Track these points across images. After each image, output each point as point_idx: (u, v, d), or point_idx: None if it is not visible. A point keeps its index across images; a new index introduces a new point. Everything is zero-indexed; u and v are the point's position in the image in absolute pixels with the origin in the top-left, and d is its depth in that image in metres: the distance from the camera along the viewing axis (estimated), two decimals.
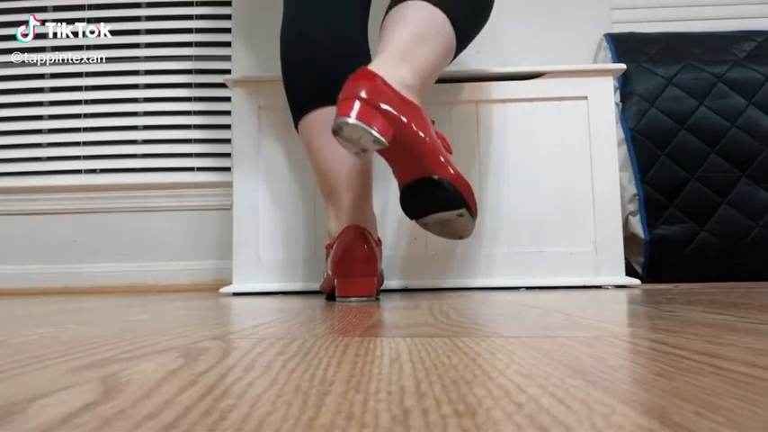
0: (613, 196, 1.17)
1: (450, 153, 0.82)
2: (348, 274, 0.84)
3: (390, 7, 0.89)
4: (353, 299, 0.83)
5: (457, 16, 0.88)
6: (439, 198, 0.79)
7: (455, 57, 0.93)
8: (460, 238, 0.88)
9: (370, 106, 0.73)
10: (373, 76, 0.75)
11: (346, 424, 0.17)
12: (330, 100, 0.89)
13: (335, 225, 0.89)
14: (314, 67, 0.92)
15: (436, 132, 0.81)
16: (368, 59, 0.95)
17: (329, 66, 0.90)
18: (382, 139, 0.72)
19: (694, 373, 0.24)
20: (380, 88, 0.74)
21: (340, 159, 0.89)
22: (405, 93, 0.77)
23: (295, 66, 0.94)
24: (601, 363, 0.28)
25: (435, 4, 0.86)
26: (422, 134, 0.76)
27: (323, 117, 0.90)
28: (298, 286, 1.15)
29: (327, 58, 0.91)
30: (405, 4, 0.86)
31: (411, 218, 0.85)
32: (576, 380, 0.23)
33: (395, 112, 0.74)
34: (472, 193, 0.82)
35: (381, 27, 0.88)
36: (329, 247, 0.89)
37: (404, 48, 0.81)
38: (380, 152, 0.78)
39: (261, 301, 0.91)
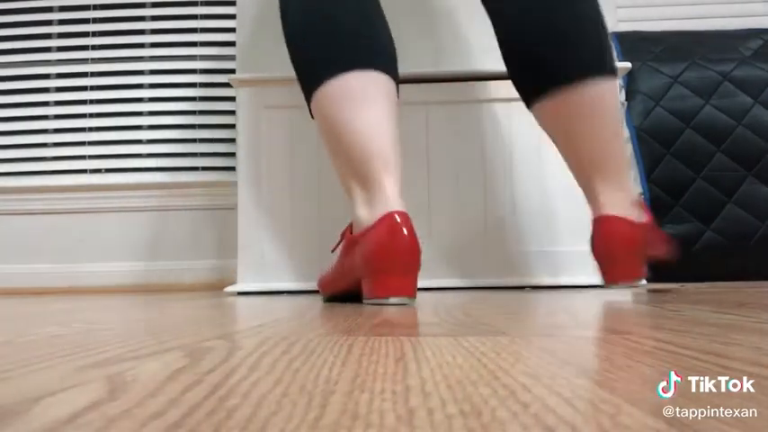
0: None
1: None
2: (388, 269, 0.70)
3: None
4: (393, 299, 0.69)
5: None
6: None
7: None
8: None
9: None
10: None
11: (351, 423, 0.17)
12: (353, 64, 0.76)
13: (367, 211, 0.74)
14: (331, 26, 0.78)
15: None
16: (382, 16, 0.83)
17: (349, 23, 0.78)
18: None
19: (701, 372, 0.24)
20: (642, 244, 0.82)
21: (374, 131, 0.75)
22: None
23: (307, 27, 0.81)
24: (607, 362, 0.28)
25: (611, 74, 0.82)
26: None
27: (346, 84, 0.76)
28: (302, 286, 1.15)
29: (347, 16, 0.78)
30: (593, 84, 0.80)
31: None
32: (583, 379, 0.23)
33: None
34: None
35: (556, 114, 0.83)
36: (353, 241, 0.75)
37: (624, 165, 0.85)
38: None
39: (265, 301, 0.91)
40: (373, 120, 0.75)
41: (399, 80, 0.83)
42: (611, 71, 0.82)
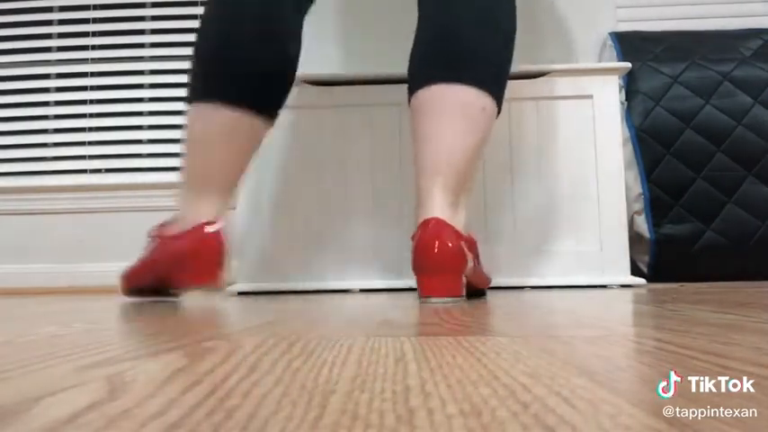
0: (619, 195, 1.16)
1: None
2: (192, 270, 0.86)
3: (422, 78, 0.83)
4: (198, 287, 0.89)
5: (501, 90, 0.86)
6: None
7: None
8: None
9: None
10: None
11: (351, 423, 0.17)
12: (228, 100, 0.84)
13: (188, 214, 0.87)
14: (226, 54, 0.85)
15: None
16: (292, 68, 0.89)
17: (244, 61, 0.85)
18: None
19: (701, 372, 0.24)
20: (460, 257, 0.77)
21: (198, 152, 0.88)
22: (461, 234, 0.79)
23: (208, 45, 0.88)
24: (607, 362, 0.28)
25: (485, 90, 0.82)
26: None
27: (197, 113, 0.86)
28: (302, 286, 1.15)
29: (246, 56, 0.85)
30: (446, 94, 0.81)
31: None
32: (582, 379, 0.23)
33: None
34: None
35: (416, 110, 0.83)
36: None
37: (464, 178, 0.81)
38: None
39: (265, 301, 0.91)
40: (202, 147, 0.87)
41: (272, 106, 0.90)
42: (480, 84, 0.82)
